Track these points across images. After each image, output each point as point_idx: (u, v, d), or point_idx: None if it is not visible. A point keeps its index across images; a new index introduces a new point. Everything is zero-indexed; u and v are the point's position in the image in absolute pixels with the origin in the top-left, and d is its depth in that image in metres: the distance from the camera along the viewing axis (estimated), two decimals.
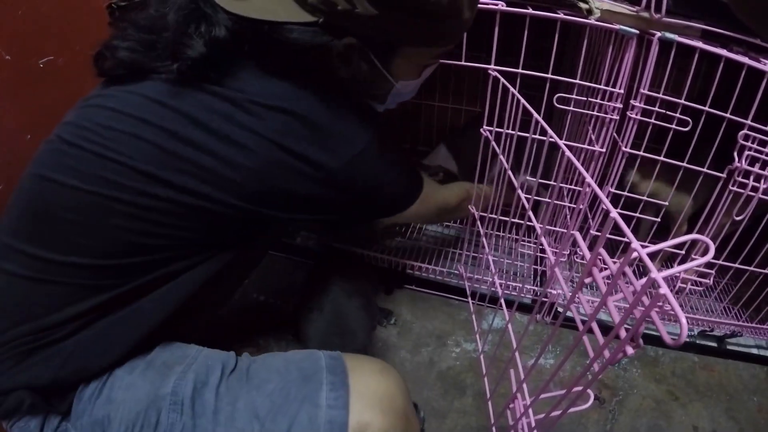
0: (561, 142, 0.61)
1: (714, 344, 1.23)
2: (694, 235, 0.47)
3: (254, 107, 0.63)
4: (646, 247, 0.41)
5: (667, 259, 1.29)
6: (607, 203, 0.48)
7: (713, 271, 1.08)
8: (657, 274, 0.41)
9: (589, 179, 0.52)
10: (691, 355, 1.24)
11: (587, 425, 1.07)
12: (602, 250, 0.48)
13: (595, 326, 0.51)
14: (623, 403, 1.12)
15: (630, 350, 0.45)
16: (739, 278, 1.11)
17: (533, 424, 0.71)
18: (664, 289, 0.38)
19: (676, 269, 0.42)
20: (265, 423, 0.64)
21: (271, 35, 0.62)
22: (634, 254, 0.42)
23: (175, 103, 0.63)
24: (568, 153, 0.58)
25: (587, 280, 0.53)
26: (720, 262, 1.06)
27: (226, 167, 0.63)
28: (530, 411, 0.72)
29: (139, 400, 0.63)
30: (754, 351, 1.24)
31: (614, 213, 0.46)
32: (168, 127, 0.62)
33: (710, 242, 0.44)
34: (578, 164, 0.54)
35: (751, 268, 1.07)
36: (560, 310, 1.17)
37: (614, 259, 0.89)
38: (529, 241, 1.40)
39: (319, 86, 0.67)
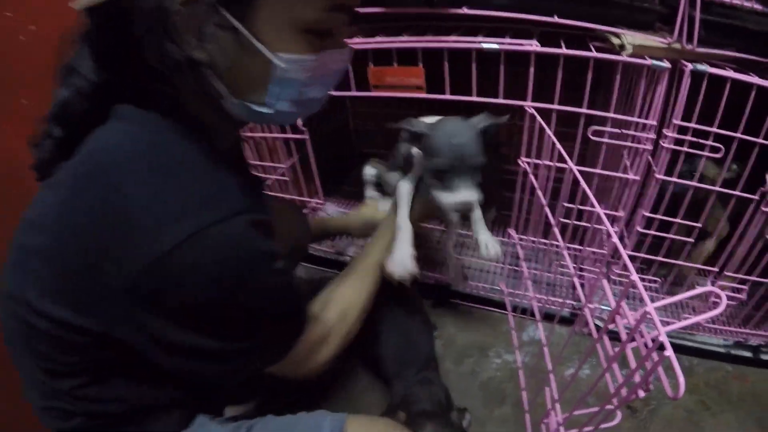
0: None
1: (749, 354, 1.25)
2: (708, 288, 0.53)
3: None
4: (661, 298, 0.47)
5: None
6: (629, 264, 0.53)
7: (746, 287, 1.10)
8: (664, 337, 0.47)
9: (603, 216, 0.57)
10: (725, 364, 1.26)
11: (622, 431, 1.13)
12: (624, 305, 0.55)
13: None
14: (655, 412, 1.16)
15: (642, 393, 0.52)
16: None
17: None
18: (669, 352, 0.45)
19: (682, 323, 0.48)
20: None
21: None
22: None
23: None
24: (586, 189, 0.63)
25: (611, 326, 0.60)
26: (753, 278, 1.08)
27: None
28: (561, 429, 0.78)
29: None
30: None
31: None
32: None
33: (722, 294, 0.49)
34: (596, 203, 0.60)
35: None
36: (597, 323, 1.22)
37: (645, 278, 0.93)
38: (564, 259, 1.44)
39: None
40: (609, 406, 0.63)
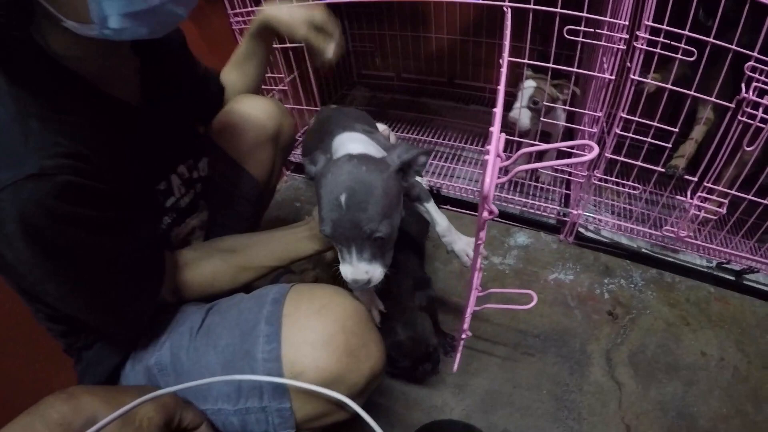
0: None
1: (731, 278, 1.29)
2: (582, 141, 0.59)
3: None
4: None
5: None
6: None
7: (726, 201, 1.14)
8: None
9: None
10: (707, 285, 1.31)
11: (599, 337, 1.18)
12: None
13: None
14: (635, 321, 1.22)
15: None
16: (754, 211, 1.17)
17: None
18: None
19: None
20: (220, 373, 0.69)
21: None
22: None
23: None
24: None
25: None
26: (733, 192, 1.12)
27: None
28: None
29: (137, 372, 0.75)
30: None
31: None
32: None
33: (594, 144, 0.50)
34: None
35: (766, 201, 1.13)
36: (581, 230, 1.28)
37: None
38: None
39: None
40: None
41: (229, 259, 0.83)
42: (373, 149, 0.74)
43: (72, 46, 0.59)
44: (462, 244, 0.91)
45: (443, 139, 1.70)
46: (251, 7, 1.37)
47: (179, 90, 0.86)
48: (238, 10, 1.39)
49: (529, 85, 1.28)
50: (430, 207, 0.89)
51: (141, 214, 0.71)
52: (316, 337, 0.68)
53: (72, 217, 0.56)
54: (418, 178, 0.85)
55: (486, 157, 0.49)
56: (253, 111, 1.00)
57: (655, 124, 1.05)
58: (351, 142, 0.75)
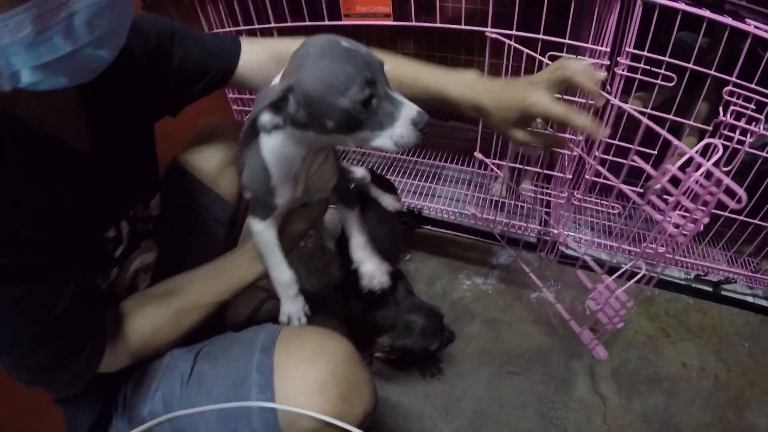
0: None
1: (709, 289, 1.33)
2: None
3: None
4: None
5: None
6: None
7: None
8: None
9: None
10: (686, 297, 1.34)
11: (583, 353, 1.21)
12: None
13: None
14: (616, 336, 1.24)
15: None
16: (732, 224, 1.20)
17: None
18: None
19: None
20: (217, 426, 0.69)
21: None
22: None
23: None
24: None
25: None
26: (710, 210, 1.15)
27: None
28: None
29: (130, 420, 0.74)
30: (750, 299, 1.32)
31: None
32: None
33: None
34: None
35: (741, 218, 1.16)
36: (562, 248, 1.30)
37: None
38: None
39: None
40: None
41: (165, 303, 0.75)
42: None
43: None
44: (371, 266, 0.86)
45: (423, 158, 1.68)
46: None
47: (141, 106, 0.77)
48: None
49: None
50: (352, 217, 0.87)
51: (81, 267, 0.64)
52: (309, 386, 0.67)
53: None
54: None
55: None
56: (220, 132, 0.96)
57: (636, 147, 1.06)
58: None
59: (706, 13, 0.96)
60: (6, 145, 0.55)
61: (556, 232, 1.21)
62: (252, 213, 0.76)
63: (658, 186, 1.23)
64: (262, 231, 0.76)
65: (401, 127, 0.60)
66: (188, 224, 0.94)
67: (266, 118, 0.61)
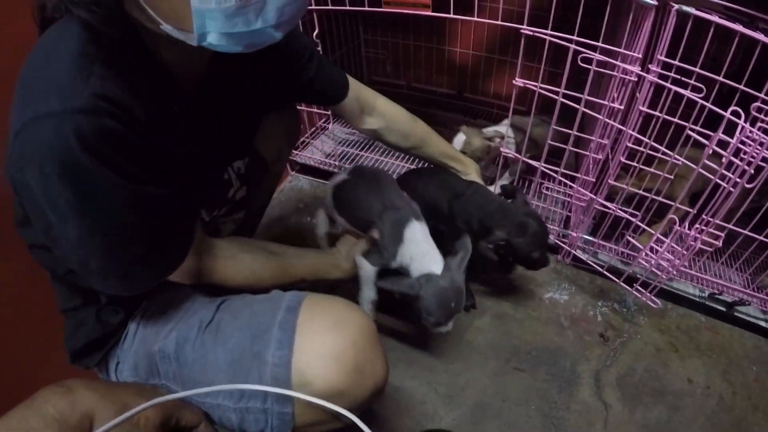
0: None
1: (723, 309, 1.32)
2: None
3: None
4: None
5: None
6: None
7: (723, 234, 1.16)
8: None
9: None
10: (699, 314, 1.33)
11: (590, 358, 1.21)
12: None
13: None
14: (626, 344, 1.24)
15: None
16: (750, 245, 1.19)
17: None
18: None
19: None
20: (227, 375, 0.72)
21: None
22: None
23: None
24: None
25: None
26: (730, 226, 1.15)
27: None
28: None
29: (137, 353, 0.78)
30: (762, 323, 1.30)
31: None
32: None
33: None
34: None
35: (761, 238, 1.15)
36: (577, 253, 1.30)
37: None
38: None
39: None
40: None
41: (272, 259, 0.90)
42: (434, 251, 0.98)
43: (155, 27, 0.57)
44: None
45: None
46: None
47: (253, 90, 0.89)
48: None
49: (458, 139, 1.46)
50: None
51: (197, 195, 0.76)
52: (328, 352, 0.69)
53: (110, 161, 0.56)
54: None
55: None
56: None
57: (660, 155, 1.08)
58: (424, 246, 0.98)
59: (739, 27, 0.97)
60: (143, 72, 0.61)
61: (575, 235, 1.22)
62: (368, 258, 1.01)
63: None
64: (369, 269, 1.01)
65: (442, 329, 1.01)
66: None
67: None
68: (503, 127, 1.49)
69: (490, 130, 1.48)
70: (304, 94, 1.03)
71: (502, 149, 1.35)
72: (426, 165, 1.34)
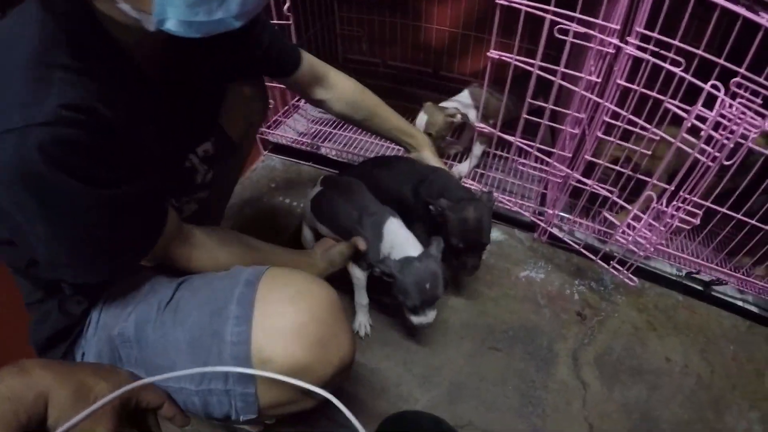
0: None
1: (700, 288, 1.31)
2: None
3: None
4: None
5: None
6: None
7: (701, 212, 1.16)
8: None
9: None
10: (676, 293, 1.33)
11: (567, 337, 1.19)
12: None
13: None
14: (603, 323, 1.23)
15: None
16: (726, 225, 1.18)
17: None
18: None
19: None
20: (188, 356, 0.68)
21: None
22: None
23: None
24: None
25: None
26: (708, 203, 1.14)
27: None
28: None
29: (100, 338, 0.74)
30: (739, 303, 1.31)
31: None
32: None
33: None
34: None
35: (739, 216, 1.15)
36: (554, 230, 1.29)
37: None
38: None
39: None
40: None
41: (249, 254, 0.88)
42: (412, 238, 1.05)
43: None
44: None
45: None
46: None
47: (212, 65, 0.85)
48: None
49: (420, 119, 1.44)
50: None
51: (163, 185, 0.73)
52: (288, 325, 0.66)
53: (75, 171, 0.55)
54: None
55: None
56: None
57: (638, 130, 1.06)
58: (402, 234, 1.05)
59: (720, 0, 0.96)
60: (105, 62, 0.60)
61: (551, 212, 1.20)
62: (358, 264, 1.09)
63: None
64: (361, 276, 1.11)
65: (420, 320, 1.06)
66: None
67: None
68: (463, 96, 1.50)
69: (450, 106, 1.46)
70: (260, 65, 1.00)
71: (476, 124, 1.32)
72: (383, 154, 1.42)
